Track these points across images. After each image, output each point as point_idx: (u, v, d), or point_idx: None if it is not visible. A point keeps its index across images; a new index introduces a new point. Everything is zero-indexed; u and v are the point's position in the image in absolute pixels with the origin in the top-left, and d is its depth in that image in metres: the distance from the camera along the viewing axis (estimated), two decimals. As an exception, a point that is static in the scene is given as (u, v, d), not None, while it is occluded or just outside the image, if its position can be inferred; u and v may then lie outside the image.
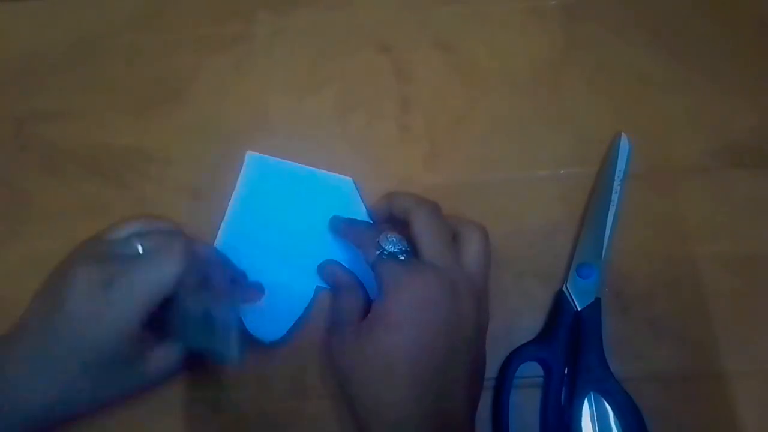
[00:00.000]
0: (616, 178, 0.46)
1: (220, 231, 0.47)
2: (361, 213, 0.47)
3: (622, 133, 0.48)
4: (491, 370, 0.43)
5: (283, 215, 0.47)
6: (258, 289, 0.45)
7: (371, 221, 0.46)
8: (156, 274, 0.37)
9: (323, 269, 0.45)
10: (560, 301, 0.44)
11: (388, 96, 0.51)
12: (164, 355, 0.40)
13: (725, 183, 0.47)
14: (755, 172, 0.48)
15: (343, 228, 0.45)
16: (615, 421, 0.42)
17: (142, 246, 0.39)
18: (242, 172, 0.48)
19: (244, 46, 0.52)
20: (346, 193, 0.47)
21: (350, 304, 0.42)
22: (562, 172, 0.48)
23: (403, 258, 0.39)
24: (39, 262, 0.39)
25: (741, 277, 0.46)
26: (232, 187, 0.48)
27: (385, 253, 0.39)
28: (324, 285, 0.46)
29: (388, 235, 0.40)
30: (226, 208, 0.47)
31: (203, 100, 0.51)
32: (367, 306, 0.42)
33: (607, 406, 0.42)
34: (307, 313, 0.45)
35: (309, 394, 0.44)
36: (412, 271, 0.38)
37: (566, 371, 0.43)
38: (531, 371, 0.44)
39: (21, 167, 0.50)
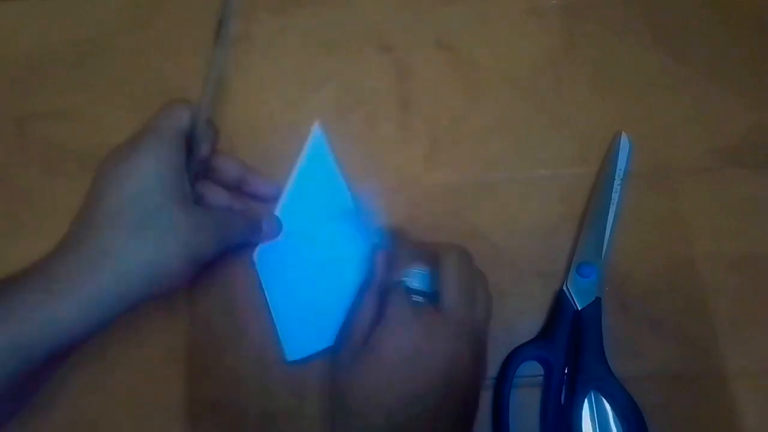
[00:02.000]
0: (616, 177, 0.46)
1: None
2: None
3: (623, 132, 0.48)
4: (491, 369, 0.43)
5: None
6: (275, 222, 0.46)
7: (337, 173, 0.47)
8: (170, 113, 0.40)
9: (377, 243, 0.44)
10: (560, 300, 0.44)
11: (388, 96, 0.51)
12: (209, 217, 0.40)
13: (726, 182, 0.47)
14: (756, 172, 0.48)
15: (390, 239, 0.44)
16: (615, 421, 0.42)
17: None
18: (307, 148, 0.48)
19: (244, 46, 0.52)
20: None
21: (365, 311, 0.40)
22: (562, 171, 0.48)
23: (420, 300, 0.39)
24: (39, 261, 0.39)
25: (741, 276, 0.46)
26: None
27: (405, 284, 0.39)
28: None
29: (418, 269, 0.40)
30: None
31: (203, 100, 0.51)
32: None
33: (608, 405, 0.42)
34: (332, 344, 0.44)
35: (309, 394, 0.44)
36: (424, 316, 0.37)
37: (566, 371, 0.43)
38: (531, 370, 0.44)
39: (21, 167, 0.50)
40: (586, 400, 0.42)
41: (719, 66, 0.50)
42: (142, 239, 0.36)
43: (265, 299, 0.45)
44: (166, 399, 0.44)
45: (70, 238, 0.37)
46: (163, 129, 0.39)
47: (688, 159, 0.48)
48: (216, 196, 0.44)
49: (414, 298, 0.39)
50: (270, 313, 0.45)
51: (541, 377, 0.44)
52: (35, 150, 0.50)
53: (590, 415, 0.42)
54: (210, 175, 0.44)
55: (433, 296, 0.39)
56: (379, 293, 0.41)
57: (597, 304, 0.44)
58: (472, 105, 0.50)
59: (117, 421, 0.44)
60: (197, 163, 0.41)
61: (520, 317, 0.45)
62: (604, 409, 0.42)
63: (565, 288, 0.45)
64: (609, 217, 0.46)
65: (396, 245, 0.43)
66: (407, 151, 0.49)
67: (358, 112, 0.50)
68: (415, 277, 0.39)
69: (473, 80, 0.51)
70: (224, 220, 0.41)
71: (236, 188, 0.46)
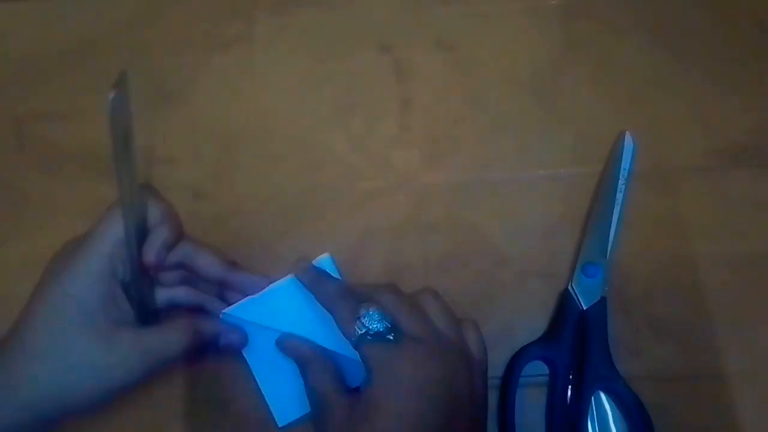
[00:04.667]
0: (620, 176, 0.46)
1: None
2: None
3: (627, 132, 0.48)
4: (497, 369, 0.43)
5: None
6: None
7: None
8: (107, 221, 0.37)
9: (282, 343, 0.42)
10: (566, 300, 0.44)
11: (388, 96, 0.51)
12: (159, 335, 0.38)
13: (726, 183, 0.47)
14: (756, 172, 0.48)
15: (313, 282, 0.42)
16: (621, 421, 0.42)
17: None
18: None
19: (244, 46, 0.52)
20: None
21: (326, 378, 0.39)
22: (562, 171, 0.48)
23: (391, 337, 0.37)
24: (38, 261, 0.39)
25: (741, 276, 0.46)
26: (233, 186, 0.48)
27: (371, 332, 0.37)
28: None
29: (370, 310, 0.37)
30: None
31: (203, 100, 0.51)
32: (341, 377, 0.40)
33: (614, 405, 0.42)
34: None
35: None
36: (402, 354, 0.36)
37: (572, 371, 0.43)
38: (537, 370, 0.44)
39: (20, 167, 0.49)
40: (592, 400, 0.42)
41: (719, 66, 0.50)
42: (53, 367, 0.35)
43: (248, 366, 0.43)
44: (167, 399, 0.44)
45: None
46: (97, 243, 0.37)
47: (688, 159, 0.48)
48: (183, 295, 0.42)
49: (387, 337, 0.37)
50: (255, 379, 0.43)
51: (547, 377, 0.44)
52: (35, 150, 0.50)
53: (597, 415, 0.42)
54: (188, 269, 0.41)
55: (396, 331, 0.37)
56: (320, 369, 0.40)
57: (602, 304, 0.44)
58: (472, 105, 0.50)
59: (117, 421, 0.44)
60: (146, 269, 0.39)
61: (521, 317, 0.45)
62: (612, 409, 0.42)
63: (570, 288, 0.44)
64: (614, 217, 0.45)
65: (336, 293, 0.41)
66: (407, 151, 0.49)
67: (358, 112, 0.50)
68: (371, 319, 0.37)
69: (473, 80, 0.51)
70: (158, 344, 0.38)
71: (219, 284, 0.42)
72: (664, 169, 0.48)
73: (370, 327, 0.37)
